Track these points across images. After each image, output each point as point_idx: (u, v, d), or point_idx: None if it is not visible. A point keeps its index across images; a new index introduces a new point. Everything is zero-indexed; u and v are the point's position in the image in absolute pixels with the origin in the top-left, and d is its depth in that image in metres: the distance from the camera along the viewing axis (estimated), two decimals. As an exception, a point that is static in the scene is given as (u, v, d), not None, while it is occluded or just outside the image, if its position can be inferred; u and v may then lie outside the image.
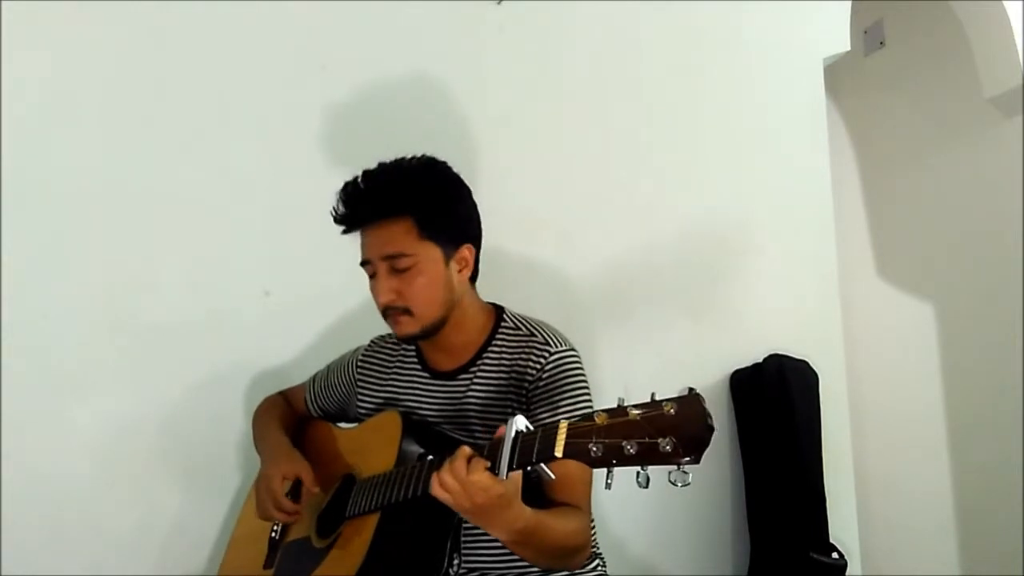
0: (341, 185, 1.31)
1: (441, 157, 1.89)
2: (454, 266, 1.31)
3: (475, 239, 1.35)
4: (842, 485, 2.13)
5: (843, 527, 2.09)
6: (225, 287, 1.78)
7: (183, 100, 1.79)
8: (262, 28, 1.84)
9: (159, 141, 1.76)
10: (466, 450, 0.99)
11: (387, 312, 1.29)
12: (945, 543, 2.73)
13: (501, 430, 0.98)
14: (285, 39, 1.86)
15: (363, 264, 1.31)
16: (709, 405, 0.82)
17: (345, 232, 1.33)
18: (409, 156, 1.32)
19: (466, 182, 1.35)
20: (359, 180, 1.29)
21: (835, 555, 1.99)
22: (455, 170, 1.34)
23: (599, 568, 1.37)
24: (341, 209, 1.30)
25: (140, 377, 1.72)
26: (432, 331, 1.31)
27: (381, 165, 1.31)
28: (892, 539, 2.73)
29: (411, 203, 1.26)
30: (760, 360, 2.10)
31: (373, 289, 1.31)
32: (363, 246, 1.30)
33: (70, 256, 1.70)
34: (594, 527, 1.37)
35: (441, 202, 1.30)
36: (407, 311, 1.28)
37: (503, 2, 2.01)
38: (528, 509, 1.04)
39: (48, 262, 1.68)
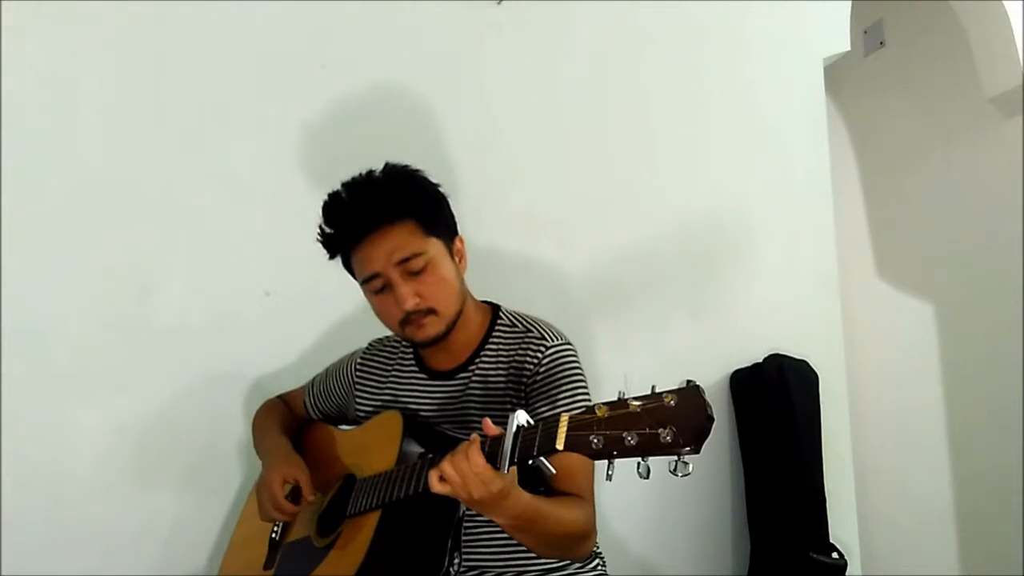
0: (322, 206, 1.30)
1: (441, 156, 1.91)
2: (455, 258, 1.33)
3: (457, 231, 1.37)
4: (842, 485, 2.14)
5: (843, 527, 2.10)
6: (225, 288, 1.78)
7: (183, 100, 1.79)
8: (262, 28, 1.84)
9: (158, 141, 1.76)
10: (466, 444, 0.99)
11: (409, 319, 1.27)
12: (945, 543, 2.73)
13: (489, 426, 0.99)
14: (285, 39, 1.86)
15: (368, 280, 1.28)
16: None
17: (334, 255, 1.32)
18: (371, 169, 1.30)
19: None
20: (345, 196, 1.28)
21: (835, 555, 2.00)
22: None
23: (599, 568, 1.37)
24: (335, 226, 1.29)
25: (140, 378, 1.72)
26: (453, 327, 1.30)
27: (360, 179, 1.29)
28: (892, 539, 2.73)
29: (409, 204, 1.27)
30: (760, 360, 2.10)
31: (385, 302, 1.28)
32: (364, 261, 1.27)
33: (70, 257, 1.69)
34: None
35: (433, 198, 1.32)
36: (431, 311, 1.27)
37: (503, 2, 2.01)
38: (526, 495, 1.04)
39: (48, 263, 1.68)
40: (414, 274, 1.25)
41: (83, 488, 1.67)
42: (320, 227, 1.31)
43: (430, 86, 1.94)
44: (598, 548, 1.39)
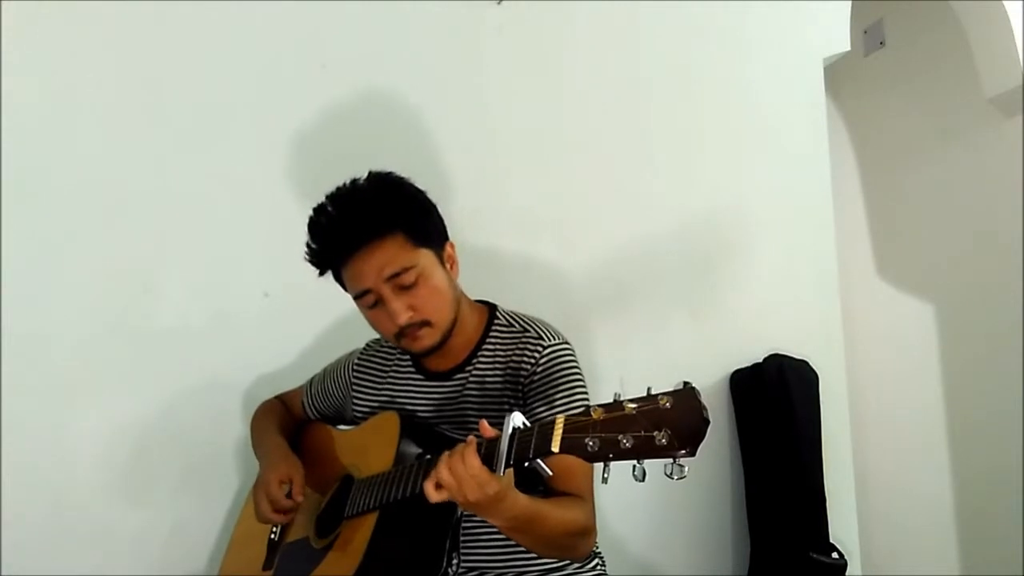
0: (308, 223, 1.28)
1: (441, 156, 1.91)
2: (447, 265, 1.32)
3: (447, 236, 1.35)
4: (842, 485, 2.14)
5: (843, 527, 2.10)
6: (224, 289, 1.78)
7: (183, 100, 1.79)
8: (262, 28, 1.84)
9: (158, 141, 1.76)
10: (462, 446, 0.99)
11: (404, 332, 1.26)
12: (945, 543, 2.73)
13: (485, 428, 0.99)
14: (285, 39, 1.86)
15: (360, 296, 1.27)
16: (709, 405, 0.82)
17: (324, 271, 1.30)
18: (357, 178, 1.28)
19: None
20: (331, 211, 1.26)
21: (835, 555, 2.00)
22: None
23: (599, 568, 1.37)
24: (323, 244, 1.27)
25: (140, 378, 1.72)
26: (449, 336, 1.29)
27: (344, 192, 1.27)
28: (892, 539, 2.73)
29: (396, 216, 1.25)
30: (760, 360, 2.10)
31: (379, 317, 1.27)
32: (354, 278, 1.26)
33: (70, 258, 1.70)
34: (593, 526, 1.37)
35: (419, 207, 1.30)
36: (425, 323, 1.26)
37: (503, 2, 2.01)
38: (524, 497, 1.03)
39: (48, 264, 1.68)
40: (406, 288, 1.24)
41: (83, 488, 1.67)
42: (307, 244, 1.29)
43: (430, 86, 1.94)
44: (598, 548, 1.39)
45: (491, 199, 1.94)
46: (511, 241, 1.96)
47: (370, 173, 1.29)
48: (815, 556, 1.97)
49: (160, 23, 1.77)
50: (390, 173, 1.30)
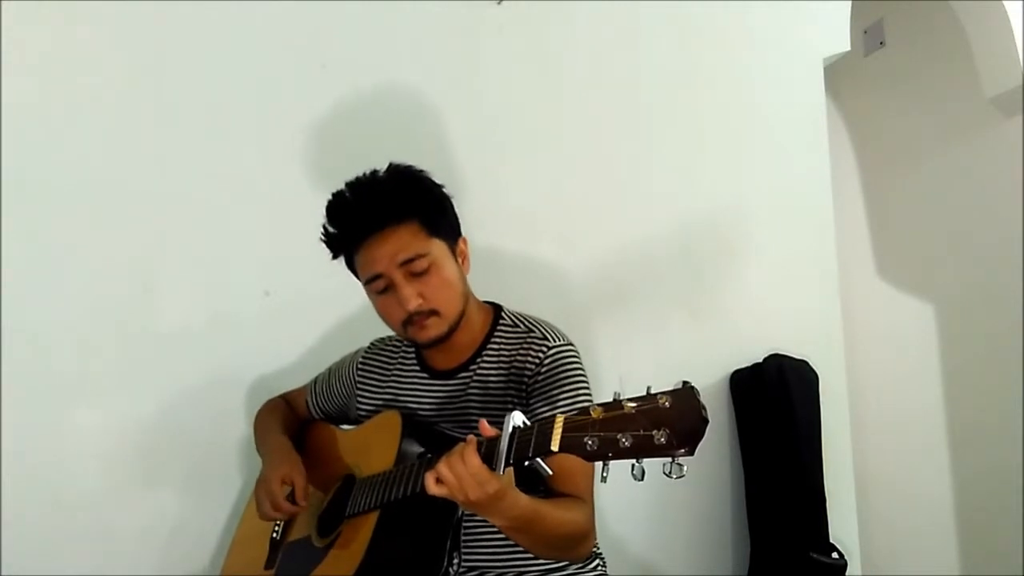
0: (326, 206, 1.30)
1: (441, 156, 1.91)
2: (458, 260, 1.33)
3: (461, 232, 1.37)
4: (842, 485, 2.14)
5: (843, 527, 2.10)
6: (225, 288, 1.78)
7: (183, 100, 1.79)
8: (262, 28, 1.84)
9: (158, 141, 1.76)
10: (462, 445, 0.99)
11: (411, 320, 1.27)
12: (945, 543, 2.73)
13: (485, 427, 1.00)
14: (285, 39, 1.87)
15: (371, 281, 1.28)
16: (709, 405, 0.82)
17: (337, 255, 1.32)
18: (376, 169, 1.30)
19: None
20: (348, 196, 1.28)
21: (835, 555, 2.00)
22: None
23: (599, 568, 1.37)
24: (340, 226, 1.29)
25: (141, 378, 1.72)
26: (455, 328, 1.30)
27: (364, 179, 1.29)
28: (892, 539, 2.73)
29: (413, 204, 1.27)
30: (760, 360, 2.11)
31: (388, 303, 1.28)
32: (368, 263, 1.27)
33: (71, 258, 1.69)
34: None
35: (437, 199, 1.32)
36: (433, 312, 1.27)
37: (503, 2, 2.01)
38: (524, 497, 1.04)
39: (49, 264, 1.68)
40: (417, 275, 1.25)
41: (83, 488, 1.67)
42: (324, 227, 1.31)
43: (430, 86, 1.94)
44: (598, 548, 1.39)
45: (492, 199, 1.94)
46: (511, 241, 1.96)
47: (390, 164, 1.31)
48: (815, 556, 1.98)
49: (160, 23, 1.77)
50: (409, 165, 1.32)
